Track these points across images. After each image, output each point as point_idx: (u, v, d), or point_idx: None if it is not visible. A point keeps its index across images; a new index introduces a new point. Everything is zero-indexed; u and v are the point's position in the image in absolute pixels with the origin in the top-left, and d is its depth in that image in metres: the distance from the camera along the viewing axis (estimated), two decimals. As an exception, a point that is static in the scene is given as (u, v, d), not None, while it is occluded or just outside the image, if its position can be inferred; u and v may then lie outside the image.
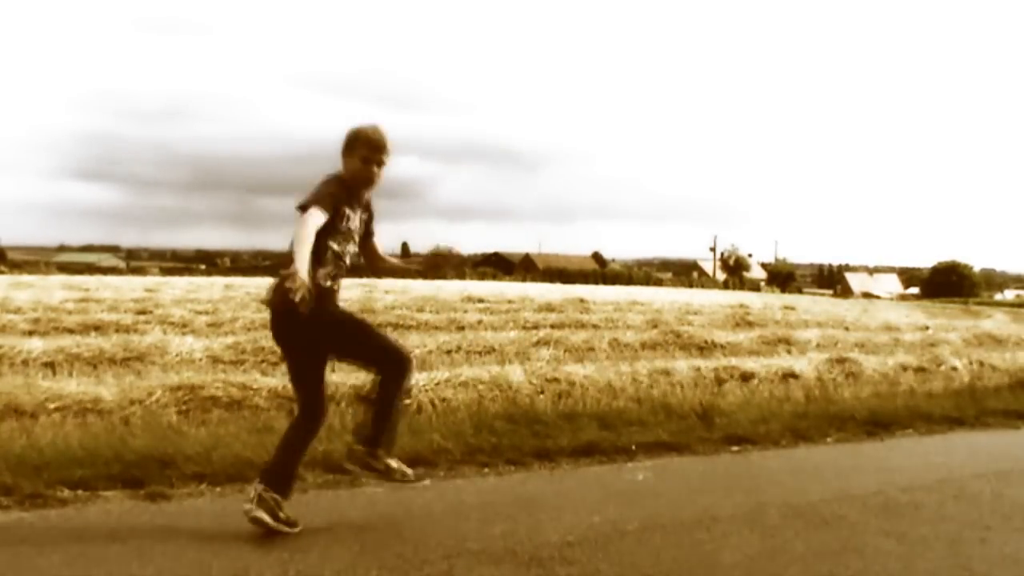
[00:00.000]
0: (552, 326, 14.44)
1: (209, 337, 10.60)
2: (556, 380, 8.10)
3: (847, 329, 16.19)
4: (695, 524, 4.33)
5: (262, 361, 9.12)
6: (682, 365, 9.33)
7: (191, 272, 57.97)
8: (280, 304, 3.88)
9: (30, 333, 11.20)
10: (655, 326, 14.80)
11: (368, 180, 4.07)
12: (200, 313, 14.58)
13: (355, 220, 4.09)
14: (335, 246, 4.02)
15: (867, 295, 60.51)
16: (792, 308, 22.47)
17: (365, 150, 4.03)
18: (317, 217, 3.80)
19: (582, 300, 21.40)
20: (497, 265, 69.09)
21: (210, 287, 23.92)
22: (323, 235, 3.88)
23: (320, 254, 3.92)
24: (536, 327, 14.05)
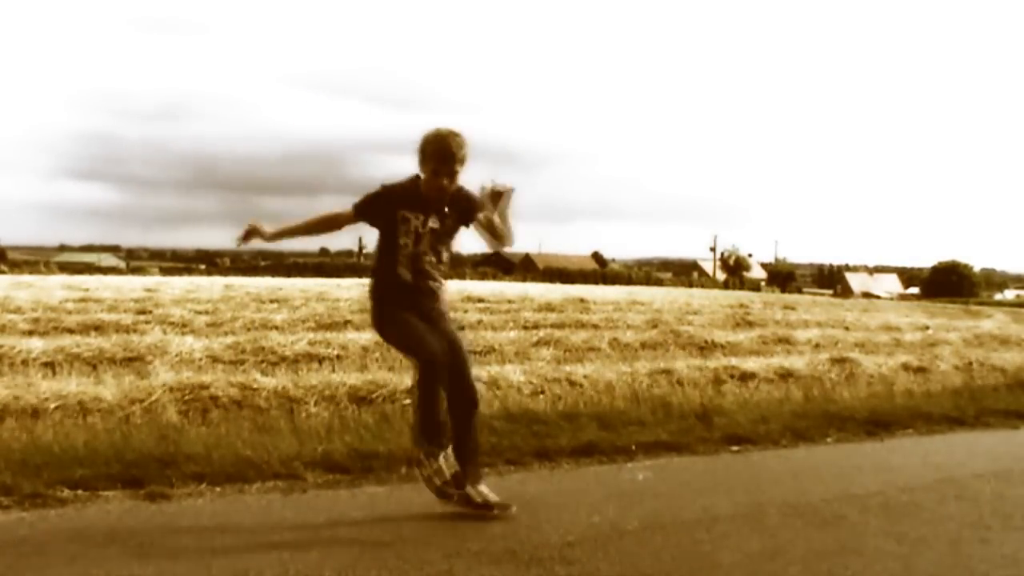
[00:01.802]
0: (552, 326, 14.42)
1: (209, 337, 10.59)
2: (556, 380, 8.09)
3: (847, 329, 16.17)
4: (695, 524, 4.34)
5: (262, 361, 9.12)
6: (682, 365, 9.32)
7: (191, 272, 57.95)
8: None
9: (30, 333, 11.18)
10: (655, 326, 14.79)
11: (438, 191, 4.26)
12: (200, 313, 14.57)
13: (428, 222, 4.27)
14: (404, 245, 4.29)
15: (867, 295, 60.47)
16: (792, 308, 22.46)
17: (433, 162, 4.22)
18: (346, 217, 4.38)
19: (582, 300, 21.38)
20: (497, 265, 69.04)
21: (210, 287, 23.88)
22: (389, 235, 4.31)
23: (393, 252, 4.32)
24: (536, 327, 14.03)
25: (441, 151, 4.19)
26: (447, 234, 4.37)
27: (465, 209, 4.39)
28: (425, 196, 4.27)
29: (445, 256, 4.39)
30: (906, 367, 10.51)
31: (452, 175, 4.23)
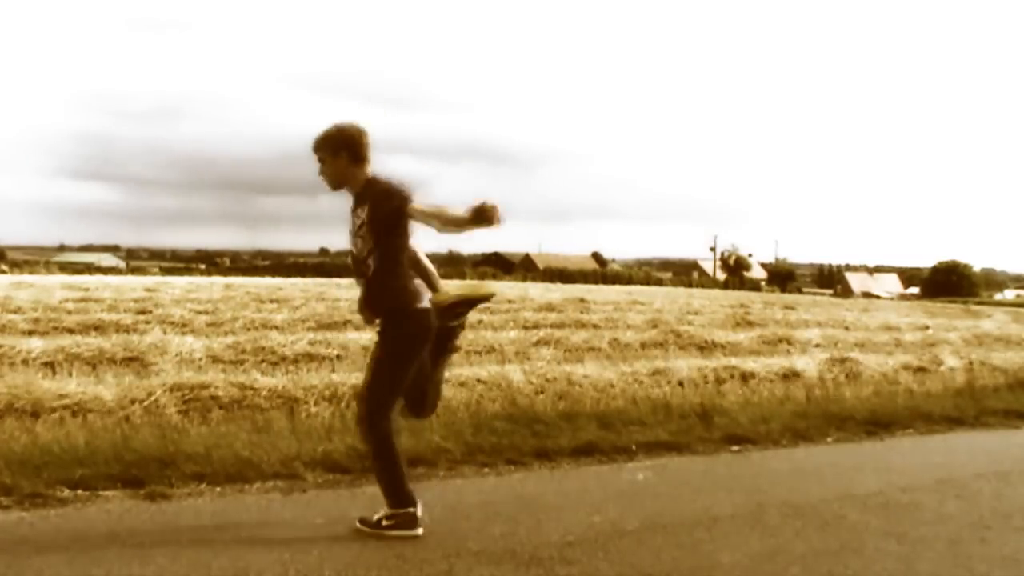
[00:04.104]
0: (552, 326, 14.44)
1: (209, 337, 10.60)
2: (556, 380, 8.10)
3: (847, 329, 16.19)
4: (695, 524, 4.34)
5: (262, 361, 9.13)
6: (682, 365, 9.32)
7: (191, 272, 57.94)
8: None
9: (30, 333, 11.19)
10: (655, 326, 14.80)
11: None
12: (200, 313, 14.58)
13: (355, 220, 4.07)
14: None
15: (867, 295, 60.46)
16: (792, 308, 22.48)
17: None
18: None
19: (582, 300, 21.40)
20: (497, 265, 69.04)
21: (210, 287, 23.91)
22: None
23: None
24: (536, 327, 14.05)
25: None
26: (361, 230, 4.02)
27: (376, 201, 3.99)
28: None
29: (369, 259, 4.00)
30: (906, 367, 10.52)
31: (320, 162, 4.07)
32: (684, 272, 79.73)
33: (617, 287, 42.96)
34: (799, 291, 61.43)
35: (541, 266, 70.28)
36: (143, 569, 3.48)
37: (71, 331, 11.66)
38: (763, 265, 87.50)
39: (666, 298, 26.27)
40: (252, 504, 4.51)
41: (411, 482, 5.01)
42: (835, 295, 56.93)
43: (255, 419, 6.35)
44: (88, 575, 3.43)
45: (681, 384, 8.66)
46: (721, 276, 72.77)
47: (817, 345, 13.06)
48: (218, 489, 4.71)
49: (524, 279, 51.16)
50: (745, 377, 9.24)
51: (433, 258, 4.40)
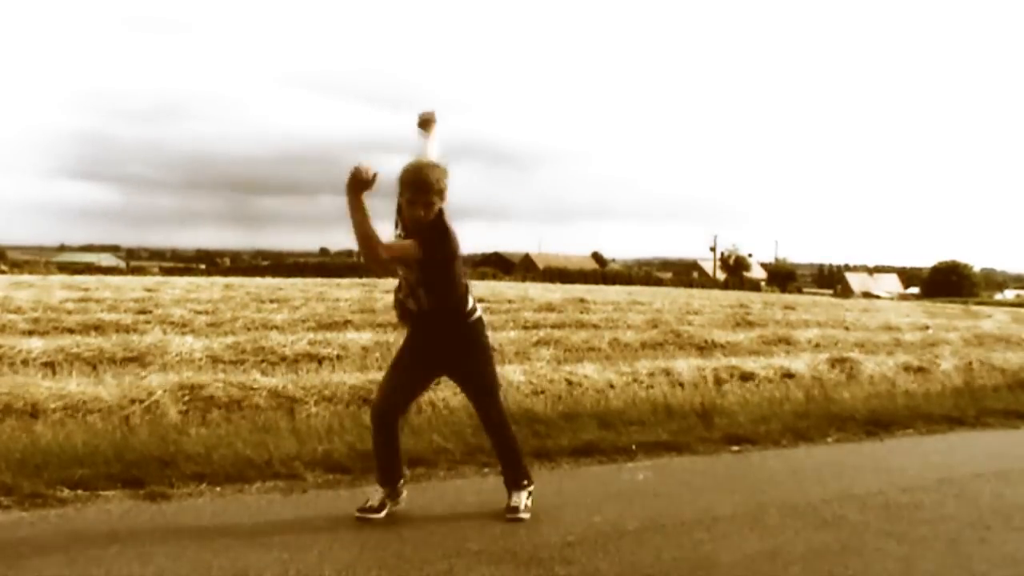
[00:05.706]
0: (552, 326, 14.42)
1: (209, 337, 10.59)
2: (556, 380, 8.09)
3: (847, 329, 16.17)
4: (695, 524, 4.34)
5: (262, 361, 9.12)
6: (682, 365, 9.32)
7: (191, 272, 57.91)
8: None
9: (30, 333, 11.18)
10: (655, 326, 14.79)
11: (414, 221, 4.13)
12: (200, 313, 14.57)
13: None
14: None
15: (867, 295, 60.45)
16: (792, 308, 22.46)
17: (408, 192, 4.12)
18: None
19: (582, 300, 21.37)
20: (497, 265, 69.03)
21: (210, 287, 23.89)
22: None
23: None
24: (536, 327, 14.03)
25: (416, 181, 4.07)
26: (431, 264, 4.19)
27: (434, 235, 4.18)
28: (405, 224, 4.20)
29: (438, 286, 4.26)
30: (906, 367, 10.51)
31: (428, 205, 4.07)
32: (684, 272, 79.74)
33: (617, 287, 42.88)
34: (799, 291, 61.37)
35: (541, 266, 70.24)
36: (143, 569, 3.48)
37: (71, 331, 11.64)
38: (763, 265, 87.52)
39: (666, 298, 26.24)
40: (252, 504, 4.51)
41: (411, 483, 5.03)
42: (835, 295, 56.88)
43: (255, 419, 6.35)
44: (88, 575, 3.44)
45: (681, 384, 8.65)
46: (721, 276, 72.75)
47: (817, 345, 13.05)
48: (218, 489, 4.71)
49: (524, 279, 51.09)
50: (745, 377, 9.23)
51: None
